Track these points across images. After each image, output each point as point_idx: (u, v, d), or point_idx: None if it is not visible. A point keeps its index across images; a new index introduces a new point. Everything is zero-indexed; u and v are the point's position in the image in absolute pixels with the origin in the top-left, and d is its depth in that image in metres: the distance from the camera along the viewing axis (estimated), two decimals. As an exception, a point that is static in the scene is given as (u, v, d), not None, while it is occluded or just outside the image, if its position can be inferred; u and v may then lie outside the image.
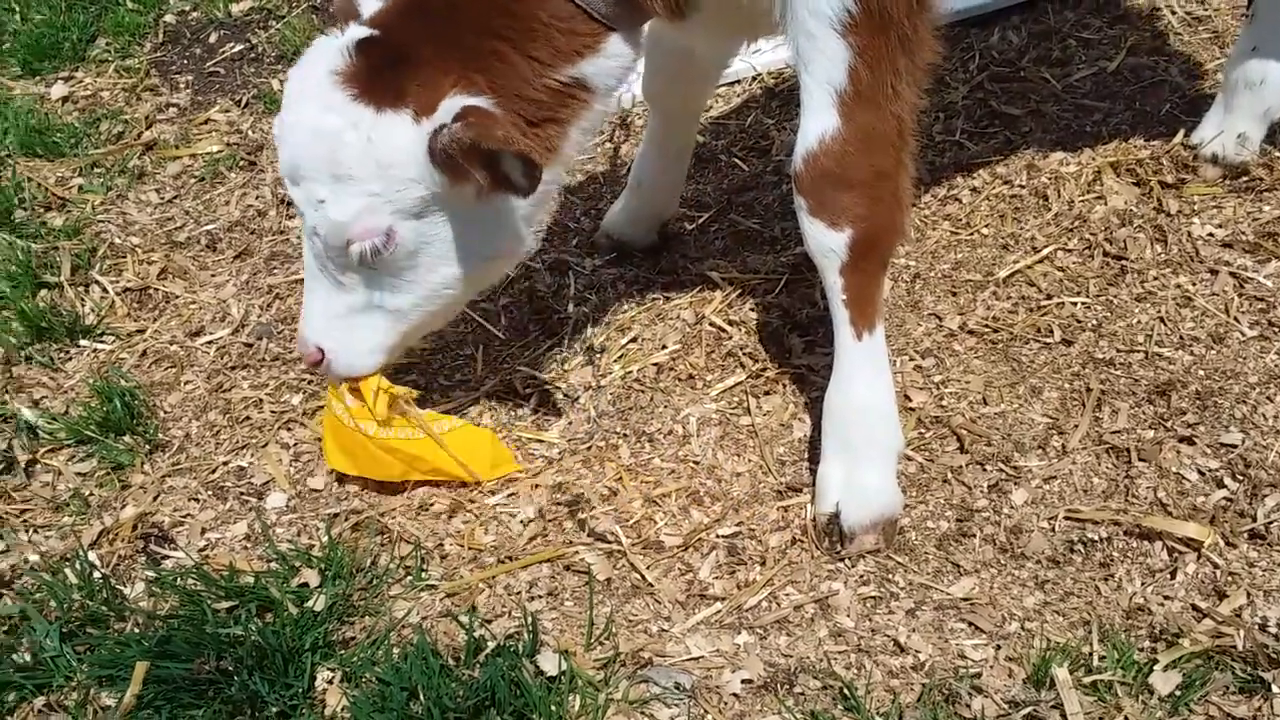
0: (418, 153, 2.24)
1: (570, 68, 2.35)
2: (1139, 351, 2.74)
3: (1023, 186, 3.21)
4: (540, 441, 2.84)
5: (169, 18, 4.70)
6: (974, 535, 2.45)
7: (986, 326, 2.87)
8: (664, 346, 3.00)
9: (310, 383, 3.07)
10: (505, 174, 2.23)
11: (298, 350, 2.68)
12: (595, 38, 2.35)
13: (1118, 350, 2.75)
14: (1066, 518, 2.44)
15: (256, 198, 3.74)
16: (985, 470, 2.56)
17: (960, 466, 2.57)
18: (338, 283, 2.45)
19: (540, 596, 2.46)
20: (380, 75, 2.25)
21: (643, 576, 2.47)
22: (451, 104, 2.23)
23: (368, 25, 2.35)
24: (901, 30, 2.24)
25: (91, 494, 2.84)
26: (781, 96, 3.75)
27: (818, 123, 2.29)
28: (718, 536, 2.54)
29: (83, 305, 3.38)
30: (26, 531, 2.78)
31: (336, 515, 2.70)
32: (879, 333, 2.47)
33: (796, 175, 2.35)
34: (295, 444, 2.92)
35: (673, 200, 3.28)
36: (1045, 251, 3.01)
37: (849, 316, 2.43)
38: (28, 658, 2.40)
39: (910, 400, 2.71)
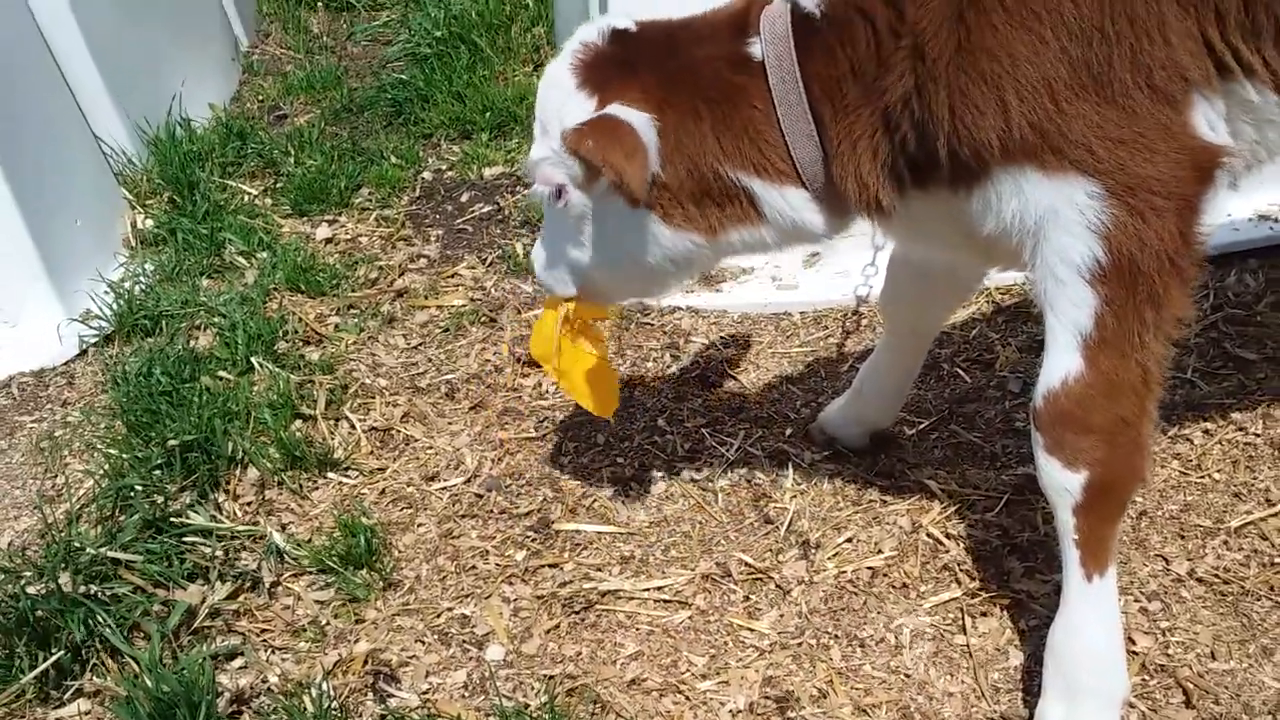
0: None
1: (742, 174, 2.52)
2: (1379, 624, 2.67)
3: (1257, 435, 3.19)
4: (751, 630, 2.91)
5: (427, 174, 5.12)
6: (1198, 797, 2.40)
7: (1216, 576, 2.83)
8: (879, 550, 3.06)
9: (534, 540, 3.23)
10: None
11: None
12: (780, 173, 2.50)
13: (1357, 621, 2.69)
14: (1298, 793, 2.37)
15: (494, 353, 3.99)
16: (1212, 729, 2.52)
17: (1186, 722, 2.54)
18: (550, 214, 2.76)
19: (747, 792, 2.51)
20: (601, 63, 2.53)
21: (850, 787, 2.50)
22: (609, 108, 2.46)
23: (636, 25, 2.60)
24: (1151, 285, 2.27)
25: (328, 623, 3.03)
26: (1008, 312, 3.84)
27: (1061, 363, 2.34)
28: (928, 757, 2.55)
29: (333, 439, 3.64)
30: (265, 651, 2.98)
31: (552, 678, 2.82)
32: (1110, 575, 2.46)
33: (1035, 411, 2.41)
34: (516, 599, 3.06)
35: (892, 412, 3.36)
36: (1280, 506, 2.99)
37: (1080, 557, 2.44)
38: (265, 779, 2.56)
39: (1134, 644, 2.69)
